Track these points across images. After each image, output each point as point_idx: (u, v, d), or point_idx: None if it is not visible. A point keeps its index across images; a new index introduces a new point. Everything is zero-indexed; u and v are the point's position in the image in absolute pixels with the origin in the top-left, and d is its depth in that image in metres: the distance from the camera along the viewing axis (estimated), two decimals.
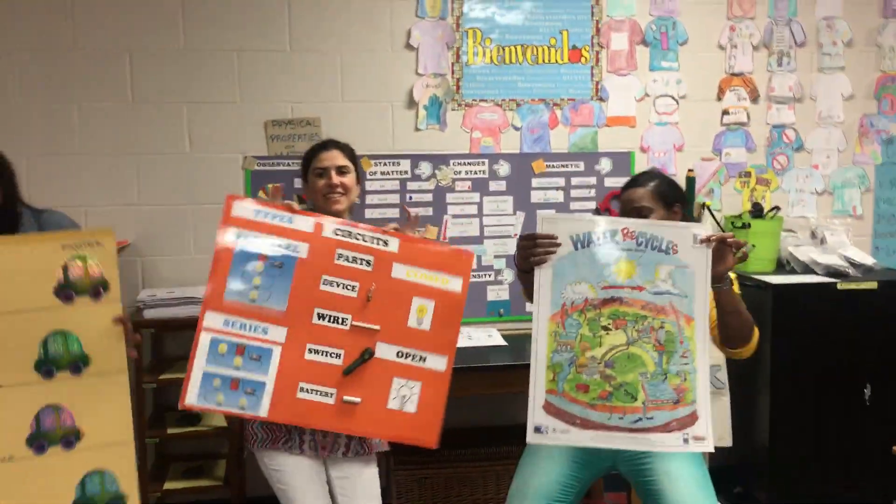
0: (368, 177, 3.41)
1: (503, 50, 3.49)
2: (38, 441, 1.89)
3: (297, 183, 3.33)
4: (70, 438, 1.92)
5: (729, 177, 3.65)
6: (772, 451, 3.27)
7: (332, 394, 2.12)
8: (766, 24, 3.61)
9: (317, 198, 2.46)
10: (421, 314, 2.20)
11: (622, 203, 2.40)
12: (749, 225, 3.42)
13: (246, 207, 2.13)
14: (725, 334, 2.22)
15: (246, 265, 2.09)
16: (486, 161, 3.49)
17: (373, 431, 2.23)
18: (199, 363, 2.06)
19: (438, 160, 3.46)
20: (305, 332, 2.12)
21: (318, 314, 2.14)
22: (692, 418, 1.99)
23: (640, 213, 2.30)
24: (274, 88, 3.36)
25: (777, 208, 3.51)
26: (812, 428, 3.27)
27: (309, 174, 2.49)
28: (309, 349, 2.12)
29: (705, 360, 2.02)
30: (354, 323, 2.15)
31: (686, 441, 1.99)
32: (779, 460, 3.27)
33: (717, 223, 3.44)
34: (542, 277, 2.05)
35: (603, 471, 2.31)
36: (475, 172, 3.50)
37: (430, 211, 3.46)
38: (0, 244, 1.90)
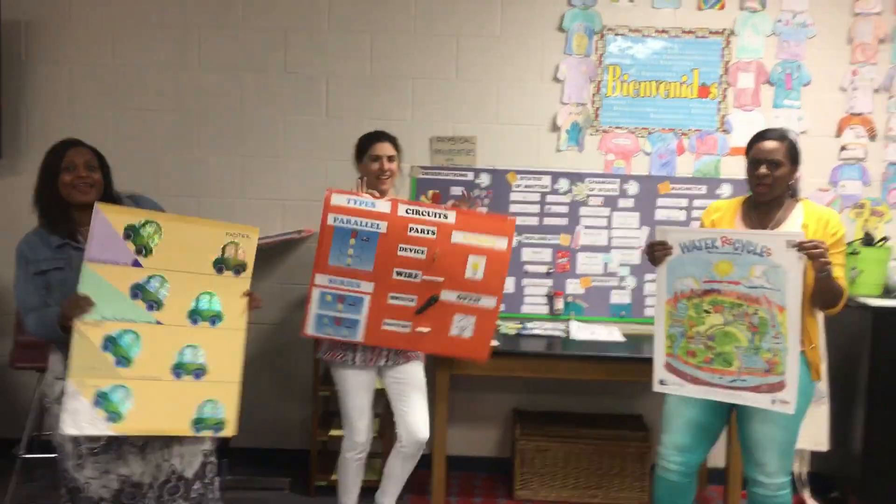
0: (514, 188, 3.98)
1: (639, 84, 3.98)
2: (178, 369, 2.52)
3: (454, 189, 3.96)
4: (199, 371, 2.55)
5: (843, 207, 3.97)
6: (865, 460, 3.55)
7: (408, 326, 2.97)
8: (887, 69, 3.91)
9: (370, 177, 3.12)
10: (475, 268, 2.97)
11: (756, 153, 2.70)
12: (858, 252, 3.75)
13: (341, 197, 2.92)
14: (817, 303, 2.65)
15: (343, 239, 2.90)
16: (618, 181, 3.98)
17: (438, 350, 3.08)
18: (313, 308, 2.93)
19: (575, 178, 3.98)
20: (388, 285, 2.93)
21: (397, 272, 2.94)
22: (780, 385, 2.53)
23: (774, 163, 2.64)
24: (440, 110, 3.99)
25: (886, 238, 3.81)
26: None
27: (365, 157, 3.16)
28: (391, 297, 2.95)
29: (796, 343, 2.52)
30: (424, 277, 2.94)
31: (773, 402, 2.56)
32: (871, 469, 3.55)
33: None
34: (659, 273, 2.71)
35: (725, 412, 2.82)
36: (607, 190, 3.99)
37: (565, 221, 3.99)
38: (183, 222, 2.58)
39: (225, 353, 2.58)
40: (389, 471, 3.19)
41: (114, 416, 2.42)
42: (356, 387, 3.10)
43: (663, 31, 3.96)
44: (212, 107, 4.00)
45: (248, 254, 2.63)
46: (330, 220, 2.91)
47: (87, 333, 2.41)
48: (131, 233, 2.48)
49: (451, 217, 2.96)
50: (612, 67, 3.97)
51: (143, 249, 2.49)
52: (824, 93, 3.95)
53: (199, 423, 2.52)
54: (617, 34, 3.97)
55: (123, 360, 2.45)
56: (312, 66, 4.00)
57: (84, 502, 2.53)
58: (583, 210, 3.99)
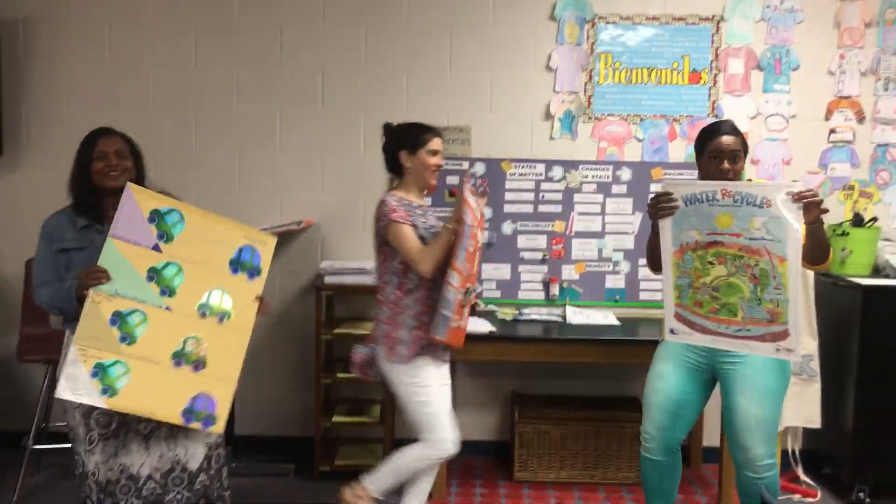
0: (508, 177, 4.04)
1: (630, 72, 4.03)
2: (178, 357, 2.57)
3: (450, 179, 4.01)
4: (199, 364, 2.59)
5: (833, 189, 4.04)
6: (856, 436, 3.62)
7: (459, 321, 2.87)
8: (874, 52, 3.97)
9: (426, 172, 2.99)
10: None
11: (716, 147, 2.76)
12: (848, 233, 3.82)
13: (470, 198, 2.80)
14: (809, 257, 2.68)
15: (465, 237, 2.77)
16: (611, 167, 4.04)
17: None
18: (447, 311, 2.78)
19: (569, 165, 4.05)
20: (463, 281, 2.82)
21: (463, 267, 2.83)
22: (784, 334, 2.56)
23: (734, 156, 2.75)
24: (434, 101, 4.04)
25: (875, 219, 3.88)
26: (893, 417, 3.61)
27: (420, 150, 2.97)
28: (458, 291, 2.82)
29: (796, 292, 2.55)
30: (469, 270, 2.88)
31: (777, 350, 2.58)
32: (862, 445, 3.62)
33: None
34: (664, 226, 2.72)
35: (707, 379, 2.90)
36: (600, 177, 4.05)
37: (559, 208, 4.05)
38: (206, 217, 2.65)
39: (227, 350, 2.63)
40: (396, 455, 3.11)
41: (108, 389, 2.47)
42: (446, 388, 3.01)
43: (654, 19, 4.01)
44: (209, 102, 4.05)
45: (263, 260, 2.70)
46: (468, 220, 2.77)
47: (99, 305, 2.48)
48: (156, 217, 2.56)
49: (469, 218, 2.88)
50: (603, 55, 4.03)
51: (165, 236, 2.56)
52: (813, 77, 4.01)
53: (189, 413, 2.55)
54: (608, 22, 4.02)
55: (128, 337, 2.51)
56: (307, 60, 4.05)
57: (94, 487, 2.60)
58: (577, 197, 4.06)
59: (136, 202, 2.54)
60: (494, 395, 4.16)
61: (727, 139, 2.76)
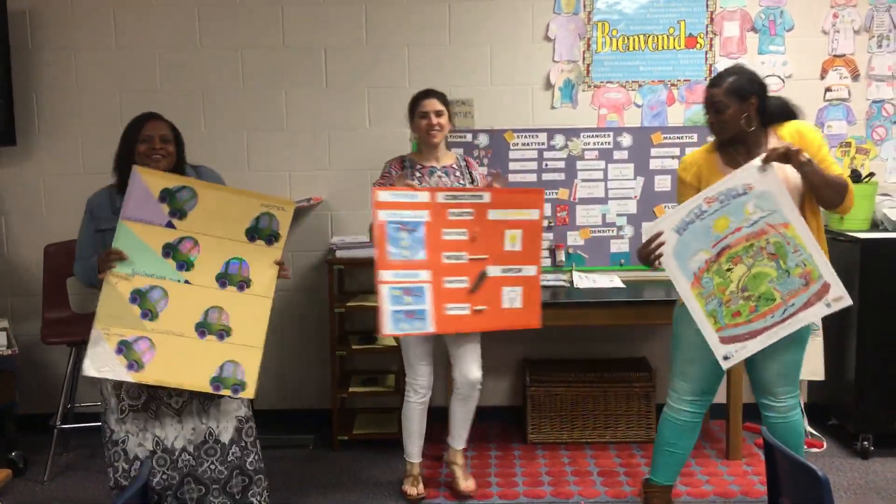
0: (511, 147, 4.12)
1: (628, 39, 4.10)
2: (202, 328, 2.67)
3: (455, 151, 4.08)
4: (223, 333, 2.69)
5: (830, 147, 4.10)
6: (859, 387, 3.72)
7: (466, 307, 3.09)
8: (866, 10, 4.03)
9: (421, 134, 3.29)
10: (513, 240, 3.14)
11: (704, 100, 2.76)
12: None
13: (386, 193, 3.04)
14: (822, 202, 2.68)
15: (395, 233, 3.01)
16: (611, 134, 4.12)
17: (498, 325, 3.16)
18: (387, 307, 3.00)
19: (570, 133, 4.12)
20: (441, 270, 3.06)
21: (445, 256, 3.07)
22: (825, 288, 2.61)
23: (717, 108, 2.69)
24: (436, 75, 4.10)
25: (872, 174, 3.96)
26: (894, 367, 3.70)
27: (415, 116, 3.30)
28: (445, 281, 3.07)
29: (813, 243, 2.59)
30: (469, 257, 3.09)
31: (828, 306, 2.63)
32: (865, 395, 3.72)
33: None
34: (669, 266, 2.75)
35: None
36: (602, 144, 4.13)
37: (562, 176, 4.13)
38: (221, 190, 2.74)
39: (250, 318, 2.71)
40: (452, 416, 3.42)
41: (135, 364, 2.57)
42: (420, 349, 3.30)
43: None
44: (215, 84, 4.13)
45: (282, 225, 2.77)
46: (382, 217, 3.01)
47: (117, 285, 2.58)
48: (167, 196, 2.65)
49: (486, 197, 3.11)
50: (600, 24, 4.09)
51: (178, 213, 2.66)
52: (807, 37, 4.07)
53: (217, 381, 2.65)
54: None
55: (150, 313, 2.61)
56: (310, 39, 4.11)
57: (122, 454, 2.71)
58: (579, 164, 4.13)
59: (143, 182, 2.63)
60: (506, 362, 4.26)
61: (710, 91, 2.74)
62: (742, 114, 2.70)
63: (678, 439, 2.97)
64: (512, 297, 3.13)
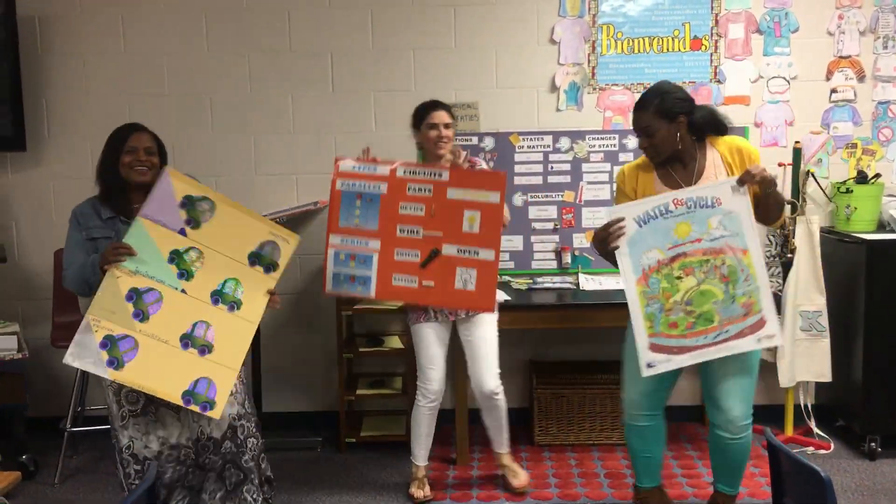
0: (517, 150, 4.13)
1: (632, 41, 4.11)
2: (186, 340, 2.68)
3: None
4: (205, 349, 2.70)
5: (836, 148, 4.11)
6: (866, 388, 3.72)
7: (415, 280, 3.12)
8: (872, 11, 4.03)
9: (429, 145, 3.33)
10: (471, 222, 3.12)
11: (633, 127, 2.75)
12: (852, 190, 3.89)
13: (347, 163, 3.16)
14: (765, 219, 2.71)
15: (350, 202, 3.12)
16: (617, 136, 4.13)
17: (446, 303, 3.21)
18: (330, 267, 3.14)
19: (576, 136, 4.13)
20: (393, 242, 3.14)
21: (400, 229, 3.13)
22: (761, 323, 2.60)
23: (647, 132, 2.67)
24: (441, 78, 4.13)
25: (878, 175, 3.96)
26: None
27: (422, 126, 3.34)
28: (396, 252, 3.13)
29: (764, 276, 2.60)
30: (424, 233, 3.11)
31: (759, 340, 2.62)
32: (872, 396, 3.71)
33: (821, 188, 3.94)
34: (621, 255, 2.71)
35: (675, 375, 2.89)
36: (607, 146, 4.14)
37: (568, 178, 4.15)
38: (236, 208, 2.77)
39: (233, 339, 2.73)
40: (485, 426, 3.45)
41: (115, 361, 2.57)
42: (431, 338, 3.33)
43: None
44: (222, 88, 4.16)
45: (283, 256, 2.83)
46: (338, 186, 3.15)
47: (119, 279, 2.60)
48: (188, 203, 2.69)
49: (446, 175, 3.13)
50: (605, 26, 4.10)
51: (193, 222, 2.70)
52: (812, 38, 4.07)
53: (189, 395, 2.64)
54: None
55: (141, 314, 2.62)
56: (316, 43, 4.14)
57: (130, 459, 2.73)
58: (585, 166, 4.15)
59: (172, 186, 2.67)
60: (513, 364, 4.26)
61: (635, 116, 2.73)
62: (673, 134, 2.68)
63: (646, 444, 2.97)
64: (465, 279, 3.11)
